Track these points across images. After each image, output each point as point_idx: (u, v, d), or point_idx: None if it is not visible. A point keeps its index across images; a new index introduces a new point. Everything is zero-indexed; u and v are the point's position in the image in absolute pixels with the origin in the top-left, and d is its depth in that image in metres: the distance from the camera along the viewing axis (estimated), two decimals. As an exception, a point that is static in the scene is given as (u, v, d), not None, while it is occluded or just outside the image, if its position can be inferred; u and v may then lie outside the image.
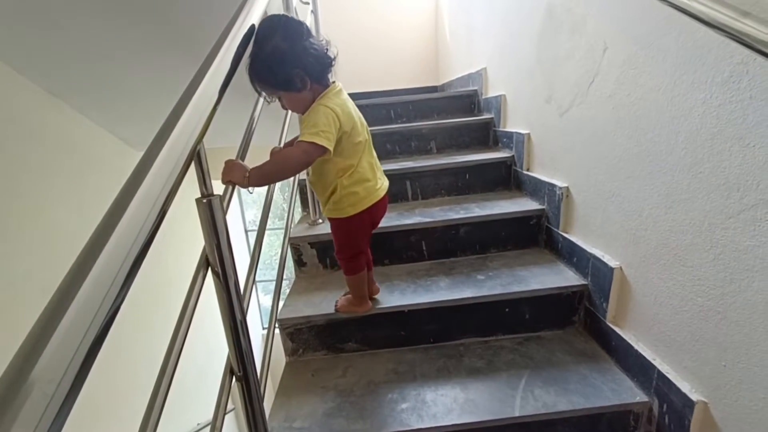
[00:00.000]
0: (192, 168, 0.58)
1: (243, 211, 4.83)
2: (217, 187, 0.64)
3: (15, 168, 1.77)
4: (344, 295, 1.22)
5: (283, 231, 1.38)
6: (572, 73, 1.21)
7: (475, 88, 2.20)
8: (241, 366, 0.67)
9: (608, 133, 1.05)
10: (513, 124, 1.76)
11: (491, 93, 2.01)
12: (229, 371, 0.67)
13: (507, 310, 1.19)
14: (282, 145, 1.23)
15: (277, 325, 1.11)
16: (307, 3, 2.14)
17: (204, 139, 0.60)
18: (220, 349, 0.71)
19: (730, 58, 0.69)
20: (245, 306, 0.77)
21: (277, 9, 1.41)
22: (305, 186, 1.53)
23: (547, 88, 1.39)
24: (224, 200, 0.65)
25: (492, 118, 1.93)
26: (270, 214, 1.09)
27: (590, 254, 1.14)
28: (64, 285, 0.38)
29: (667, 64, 0.84)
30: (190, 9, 1.42)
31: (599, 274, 1.09)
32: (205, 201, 0.59)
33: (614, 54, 1.01)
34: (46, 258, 1.86)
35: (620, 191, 1.02)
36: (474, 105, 2.21)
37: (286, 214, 1.39)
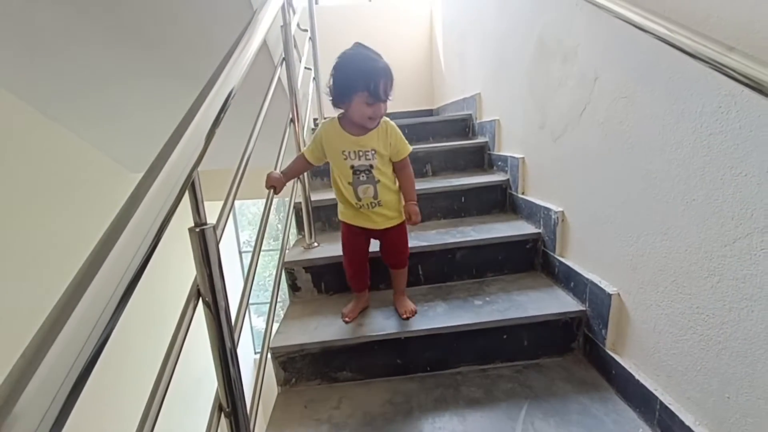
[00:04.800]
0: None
1: (238, 232, 4.80)
2: (211, 216, 0.63)
3: (7, 189, 1.76)
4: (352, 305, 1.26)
5: (277, 252, 1.36)
6: (564, 100, 1.23)
7: (470, 112, 2.24)
8: (230, 401, 0.65)
9: (601, 160, 1.07)
10: (508, 148, 1.78)
11: (486, 117, 2.05)
12: (218, 407, 0.65)
13: (505, 336, 1.17)
14: (278, 168, 1.24)
15: (269, 354, 1.08)
16: (306, 30, 2.21)
17: (201, 165, 0.60)
18: (210, 381, 0.69)
19: (718, 89, 0.71)
20: (237, 334, 0.75)
21: (276, 37, 1.45)
22: (300, 209, 1.52)
23: (541, 114, 1.41)
24: (218, 229, 0.64)
25: (486, 141, 1.95)
26: (265, 234, 1.10)
27: (587, 279, 1.13)
28: (53, 316, 0.37)
29: (657, 94, 0.86)
30: (189, 37, 1.44)
31: (597, 300, 1.08)
32: (197, 230, 0.58)
33: (605, 83, 1.03)
34: (35, 279, 1.82)
35: (616, 217, 1.03)
36: (469, 129, 2.24)
37: (281, 237, 1.37)
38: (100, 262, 0.43)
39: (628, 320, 0.99)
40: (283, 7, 1.33)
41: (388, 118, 1.14)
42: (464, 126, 2.25)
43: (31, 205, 1.86)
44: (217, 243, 0.60)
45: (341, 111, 1.12)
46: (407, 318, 1.19)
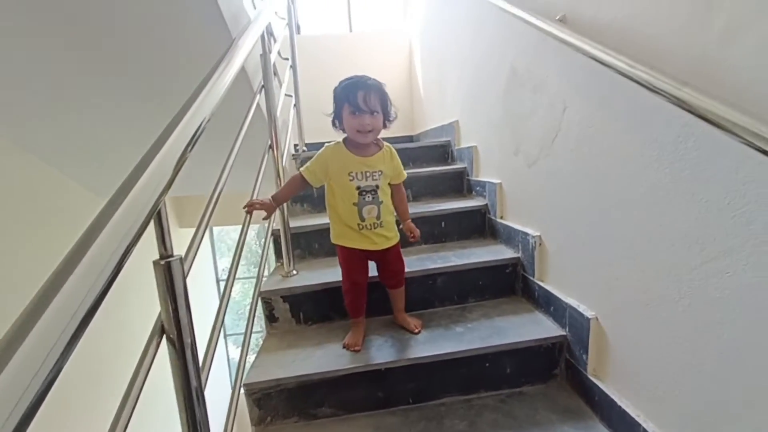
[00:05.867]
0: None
1: (216, 260, 4.66)
2: (179, 246, 0.61)
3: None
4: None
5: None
6: (537, 128, 1.28)
7: (449, 138, 2.30)
8: (195, 447, 0.60)
9: (574, 185, 1.10)
10: (485, 173, 1.82)
11: (464, 144, 2.10)
12: (181, 454, 0.60)
13: (487, 364, 1.15)
14: (255, 195, 1.23)
15: (242, 390, 1.02)
16: (287, 59, 2.25)
17: (176, 190, 0.58)
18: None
19: (677, 119, 0.75)
20: (205, 373, 0.71)
21: (255, 65, 1.46)
22: (279, 236, 1.50)
23: (515, 141, 1.46)
24: (187, 260, 0.62)
25: (465, 167, 1.99)
26: (245, 261, 1.07)
27: (566, 304, 1.13)
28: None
29: (621, 123, 0.90)
30: (167, 65, 1.44)
31: (576, 324, 1.09)
32: (163, 263, 0.56)
33: (573, 113, 1.08)
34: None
35: (590, 241, 1.05)
36: (448, 154, 2.29)
37: (258, 265, 1.33)
38: (53, 294, 0.41)
39: (608, 345, 0.99)
40: (262, 37, 1.36)
41: (389, 144, 1.22)
42: (443, 152, 2.30)
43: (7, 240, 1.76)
44: (184, 276, 0.57)
45: (345, 135, 1.17)
46: (419, 332, 1.24)
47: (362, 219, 1.16)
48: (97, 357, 2.09)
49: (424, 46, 2.98)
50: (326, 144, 1.20)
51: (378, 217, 1.18)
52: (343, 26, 3.85)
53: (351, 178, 1.14)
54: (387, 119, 1.16)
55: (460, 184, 2.00)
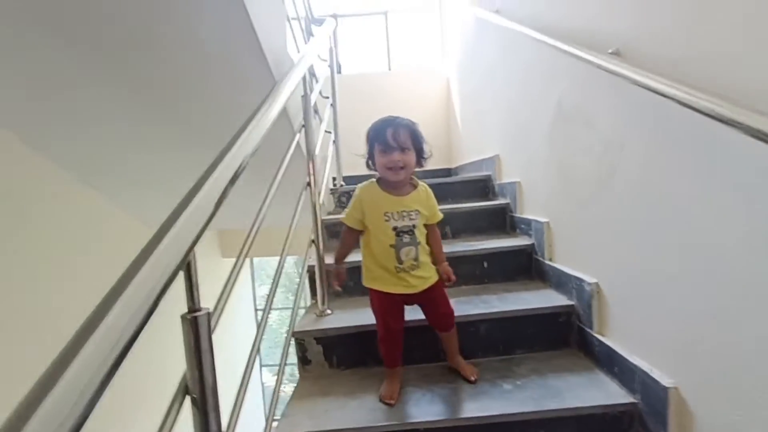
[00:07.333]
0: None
1: (254, 289, 4.74)
2: (221, 275, 0.57)
3: (38, 249, 1.79)
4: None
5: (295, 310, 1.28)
6: (589, 166, 1.18)
7: (489, 173, 2.22)
8: None
9: (636, 229, 0.98)
10: (530, 210, 1.71)
11: (505, 179, 2.01)
12: None
13: (542, 431, 1.00)
14: (292, 229, 1.21)
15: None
16: (327, 97, 2.32)
17: (219, 224, 0.56)
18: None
19: (762, 155, 0.63)
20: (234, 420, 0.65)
21: (297, 106, 1.50)
22: (314, 273, 1.46)
23: (565, 178, 1.36)
24: (214, 316, 0.58)
25: (508, 203, 1.89)
26: (283, 288, 1.05)
27: (635, 366, 0.98)
28: (24, 403, 0.32)
29: (689, 161, 0.79)
30: (215, 110, 1.52)
31: (650, 392, 0.92)
32: (190, 318, 0.52)
33: (632, 149, 0.98)
34: (39, 341, 1.78)
35: (661, 292, 0.91)
36: (488, 189, 2.20)
37: (293, 302, 1.30)
38: (82, 343, 0.38)
39: (693, 424, 0.82)
40: (303, 78, 1.39)
41: (425, 183, 1.19)
42: (483, 187, 2.22)
43: (45, 261, 1.88)
44: (210, 332, 0.54)
45: (378, 176, 1.15)
46: (475, 380, 1.15)
47: (400, 261, 1.10)
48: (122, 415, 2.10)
49: (462, 80, 2.99)
50: (359, 185, 1.17)
51: (416, 259, 1.12)
52: (382, 65, 3.98)
53: (387, 218, 1.10)
54: (421, 156, 1.13)
55: (502, 221, 1.89)
